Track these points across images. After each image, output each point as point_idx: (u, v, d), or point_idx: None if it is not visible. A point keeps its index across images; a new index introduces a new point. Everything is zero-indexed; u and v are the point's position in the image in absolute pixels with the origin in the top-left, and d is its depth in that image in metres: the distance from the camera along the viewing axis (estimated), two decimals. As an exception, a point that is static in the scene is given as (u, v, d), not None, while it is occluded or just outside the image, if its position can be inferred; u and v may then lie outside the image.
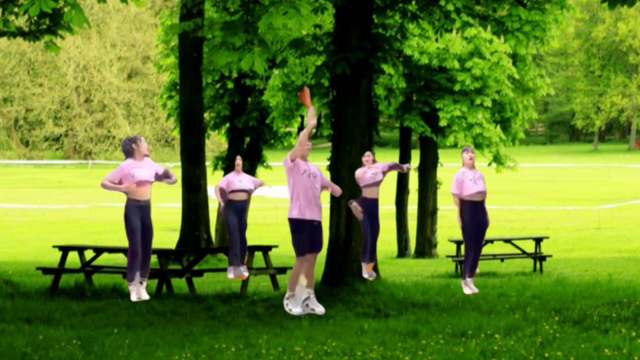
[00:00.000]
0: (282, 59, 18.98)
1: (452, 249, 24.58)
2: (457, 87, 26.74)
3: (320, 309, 10.17)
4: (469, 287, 12.05)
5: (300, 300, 10.20)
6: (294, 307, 10.17)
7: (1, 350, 11.86)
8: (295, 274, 10.03)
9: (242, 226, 14.73)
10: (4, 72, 75.58)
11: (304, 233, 9.87)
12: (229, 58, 13.05)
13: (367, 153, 14.15)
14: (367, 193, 14.11)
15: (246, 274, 14.85)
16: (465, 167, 11.57)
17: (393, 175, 28.63)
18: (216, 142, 61.43)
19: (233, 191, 14.81)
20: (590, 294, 15.40)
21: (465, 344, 11.90)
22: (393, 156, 32.63)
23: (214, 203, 29.65)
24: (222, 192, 14.63)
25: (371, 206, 14.15)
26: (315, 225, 9.89)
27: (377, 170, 13.89)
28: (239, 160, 14.95)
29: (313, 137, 11.07)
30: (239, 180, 14.79)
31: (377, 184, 13.96)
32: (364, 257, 14.48)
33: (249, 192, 14.75)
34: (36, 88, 76.41)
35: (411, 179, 30.30)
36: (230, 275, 14.91)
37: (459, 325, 13.01)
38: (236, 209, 14.78)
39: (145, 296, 11.11)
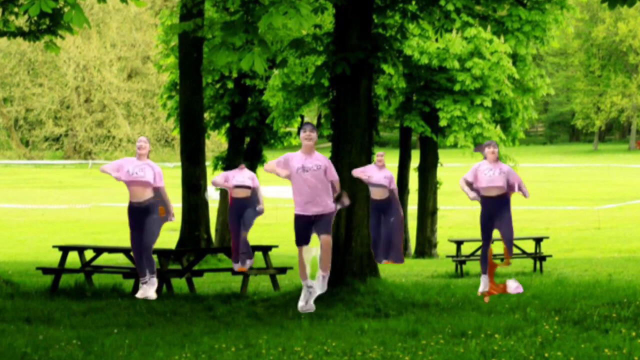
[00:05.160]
0: (282, 59, 18.97)
1: (452, 249, 24.57)
2: (457, 87, 26.75)
3: (308, 306, 10.13)
4: (484, 284, 12.13)
5: (306, 286, 10.23)
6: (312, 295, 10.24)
7: (1, 350, 11.86)
8: (299, 262, 10.10)
9: (245, 224, 14.74)
10: (4, 72, 75.53)
11: (298, 225, 10.00)
12: (229, 58, 13.04)
13: (381, 153, 14.21)
14: (375, 194, 14.14)
15: (249, 262, 14.92)
16: (487, 161, 11.57)
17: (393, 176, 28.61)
18: (216, 142, 61.39)
19: (235, 187, 14.76)
20: (590, 294, 15.39)
21: (465, 344, 11.90)
22: (393, 156, 32.62)
23: (214, 203, 29.65)
24: (222, 182, 14.70)
25: (379, 208, 14.19)
26: (312, 219, 9.97)
27: (388, 175, 14.00)
28: (242, 166, 14.97)
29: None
30: (233, 175, 14.78)
31: (385, 186, 14.03)
32: (376, 256, 14.59)
33: (250, 188, 14.69)
34: (36, 88, 76.37)
35: (411, 179, 30.30)
36: (236, 266, 15.03)
37: (459, 325, 13.01)
38: (237, 208, 14.74)
39: (152, 295, 11.10)
